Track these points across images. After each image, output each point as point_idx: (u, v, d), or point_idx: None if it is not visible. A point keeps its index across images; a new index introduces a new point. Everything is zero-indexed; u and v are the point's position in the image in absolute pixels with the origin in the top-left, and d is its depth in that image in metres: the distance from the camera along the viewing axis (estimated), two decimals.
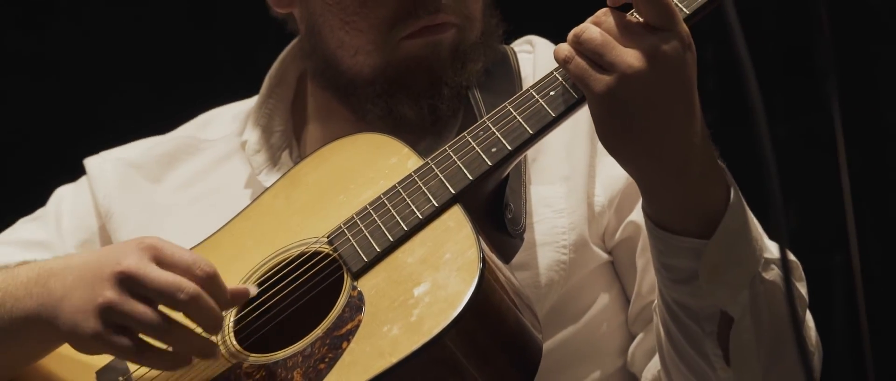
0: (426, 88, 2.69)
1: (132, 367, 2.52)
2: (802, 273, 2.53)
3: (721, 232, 2.36)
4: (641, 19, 2.33)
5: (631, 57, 2.28)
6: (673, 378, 2.53)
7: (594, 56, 2.31)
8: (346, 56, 2.72)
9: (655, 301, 2.52)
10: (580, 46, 2.33)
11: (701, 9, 2.39)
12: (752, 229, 2.42)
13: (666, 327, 2.48)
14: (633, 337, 2.71)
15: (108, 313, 2.36)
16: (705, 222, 2.37)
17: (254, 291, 2.48)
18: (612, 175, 2.69)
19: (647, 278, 2.66)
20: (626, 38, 2.30)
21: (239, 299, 2.45)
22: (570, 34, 2.36)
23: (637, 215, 2.66)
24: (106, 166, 2.93)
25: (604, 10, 2.35)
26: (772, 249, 2.46)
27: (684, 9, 2.38)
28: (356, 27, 2.68)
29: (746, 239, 2.41)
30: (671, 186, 2.36)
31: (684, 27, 2.32)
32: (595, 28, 2.33)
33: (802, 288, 2.52)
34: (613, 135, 2.35)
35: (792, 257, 2.45)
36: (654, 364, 2.61)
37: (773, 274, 2.43)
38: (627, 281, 2.71)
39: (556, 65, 2.44)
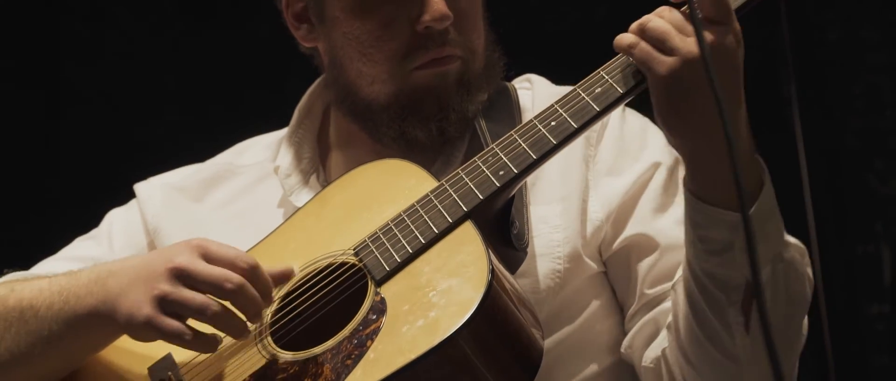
0: (435, 113, 2.71)
1: (179, 361, 2.54)
2: (808, 258, 2.54)
3: (758, 208, 2.38)
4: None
5: (692, 44, 2.32)
6: (687, 352, 2.51)
7: (658, 43, 2.34)
8: (364, 84, 2.73)
9: (677, 280, 2.52)
10: (645, 33, 2.36)
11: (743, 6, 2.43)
12: (777, 213, 2.44)
13: (691, 300, 2.47)
14: (624, 334, 2.71)
15: (162, 302, 2.41)
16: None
17: (296, 268, 2.53)
18: (608, 194, 2.71)
19: (650, 275, 2.66)
20: (687, 30, 2.34)
21: (285, 277, 2.50)
22: (635, 25, 2.39)
23: (631, 230, 2.68)
24: (153, 191, 2.94)
25: (665, 7, 2.39)
26: (789, 237, 2.48)
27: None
28: (372, 59, 2.70)
29: (775, 220, 2.43)
30: (717, 162, 2.37)
31: (737, 25, 2.35)
32: (659, 18, 2.37)
33: (809, 270, 2.52)
34: (672, 113, 2.38)
35: (798, 242, 2.49)
36: (656, 347, 2.61)
37: (790, 255, 2.45)
38: (622, 283, 2.71)
39: (556, 99, 2.49)
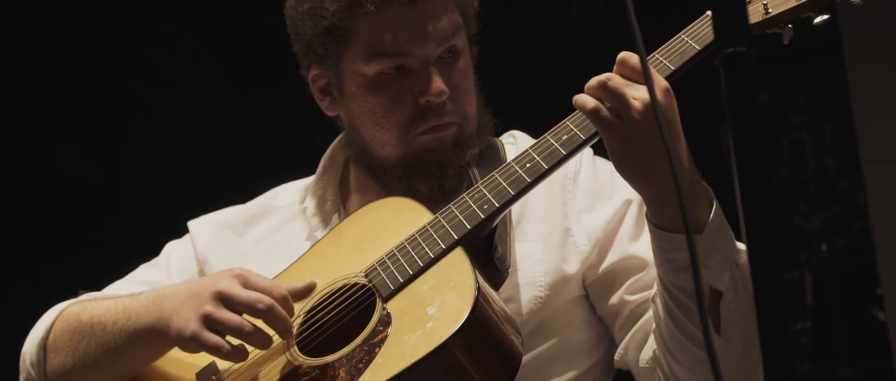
0: (435, 171, 2.71)
1: (221, 368, 2.55)
2: None
3: (708, 229, 2.37)
4: None
5: (636, 110, 2.32)
6: (672, 350, 2.50)
7: (619, 108, 2.33)
8: (377, 147, 2.74)
9: (653, 293, 2.52)
10: (606, 92, 2.35)
11: (674, 73, 2.44)
12: (728, 228, 2.43)
13: (667, 308, 2.46)
14: (604, 342, 2.72)
15: (206, 320, 2.43)
16: (697, 224, 2.38)
17: (318, 281, 2.53)
18: (590, 227, 2.71)
19: (632, 289, 2.66)
20: (628, 99, 2.33)
21: (310, 290, 2.51)
22: (595, 89, 2.37)
23: (613, 256, 2.68)
24: (203, 227, 2.95)
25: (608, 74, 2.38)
26: (742, 246, 2.45)
27: (670, 64, 2.44)
28: (383, 127, 2.71)
29: (726, 234, 2.42)
30: (670, 197, 2.38)
31: (664, 82, 2.35)
32: (617, 76, 2.36)
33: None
34: (630, 166, 2.39)
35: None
36: (648, 349, 2.60)
37: (743, 259, 2.42)
38: (608, 300, 2.70)
39: (531, 145, 2.51)
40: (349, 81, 2.73)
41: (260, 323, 2.44)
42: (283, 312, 2.44)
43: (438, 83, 2.67)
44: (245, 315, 2.45)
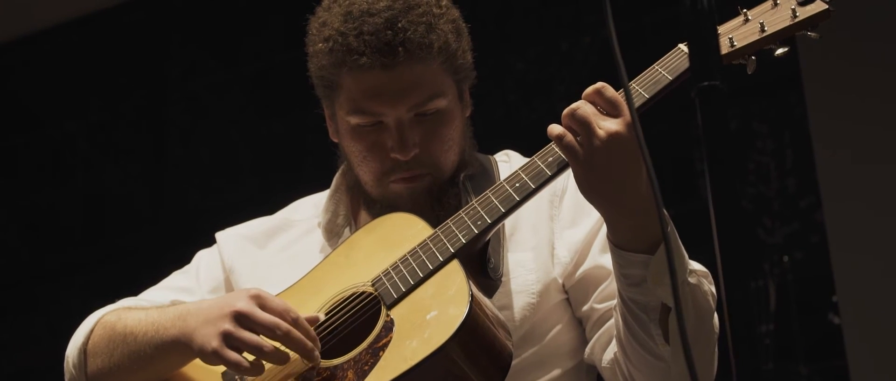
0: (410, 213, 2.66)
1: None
2: (711, 278, 2.46)
3: (661, 250, 2.33)
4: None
5: (599, 141, 2.27)
6: (628, 355, 2.46)
7: (584, 135, 2.28)
8: (362, 182, 2.70)
9: (615, 302, 2.47)
10: (573, 120, 2.30)
11: (649, 101, 2.39)
12: (681, 250, 2.39)
13: (624, 318, 2.43)
14: (586, 343, 2.65)
15: (226, 338, 2.37)
16: (650, 245, 2.33)
17: (322, 317, 2.48)
18: (571, 240, 2.65)
19: (600, 296, 2.61)
20: (595, 129, 2.28)
21: (313, 322, 2.46)
22: (567, 111, 2.32)
23: (587, 265, 2.63)
24: (229, 238, 2.89)
25: (584, 102, 2.33)
26: (694, 265, 2.42)
27: (645, 93, 2.38)
28: (363, 169, 2.65)
29: (679, 254, 2.38)
30: (628, 220, 2.33)
31: (629, 116, 2.29)
32: (587, 105, 2.31)
33: (711, 287, 2.44)
34: (591, 189, 2.34)
35: (703, 267, 2.43)
36: (610, 351, 2.55)
37: (695, 279, 2.39)
38: (582, 304, 2.64)
39: (520, 166, 2.46)
40: (339, 123, 2.70)
41: (277, 343, 2.39)
42: (299, 335, 2.38)
43: (406, 144, 2.59)
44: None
